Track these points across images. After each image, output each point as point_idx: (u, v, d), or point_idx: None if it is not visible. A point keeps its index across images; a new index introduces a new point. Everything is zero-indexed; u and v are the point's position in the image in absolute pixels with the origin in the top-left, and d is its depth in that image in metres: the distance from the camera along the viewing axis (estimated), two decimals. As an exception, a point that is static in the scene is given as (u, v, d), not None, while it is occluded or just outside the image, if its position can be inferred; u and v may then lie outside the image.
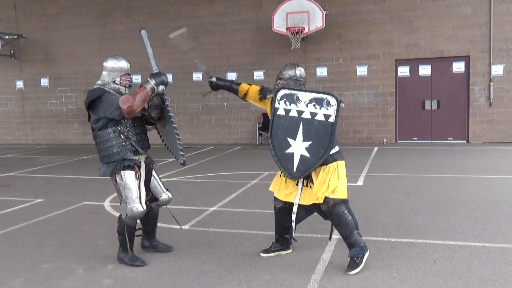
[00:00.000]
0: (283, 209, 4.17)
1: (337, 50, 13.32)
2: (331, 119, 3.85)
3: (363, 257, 3.86)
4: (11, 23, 16.12)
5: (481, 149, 11.42)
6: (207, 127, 14.68)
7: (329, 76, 13.42)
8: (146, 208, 4.08)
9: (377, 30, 12.96)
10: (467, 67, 12.53)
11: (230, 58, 14.25)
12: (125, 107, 3.75)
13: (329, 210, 3.87)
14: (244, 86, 4.41)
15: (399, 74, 13.07)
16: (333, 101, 3.86)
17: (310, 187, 3.98)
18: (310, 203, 3.98)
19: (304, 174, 3.89)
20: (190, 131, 14.84)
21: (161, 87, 3.99)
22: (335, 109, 3.85)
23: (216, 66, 14.37)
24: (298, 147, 3.89)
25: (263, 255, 4.26)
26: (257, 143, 13.98)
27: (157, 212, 4.41)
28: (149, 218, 4.33)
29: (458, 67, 12.62)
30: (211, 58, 14.38)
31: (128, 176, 3.97)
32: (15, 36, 15.93)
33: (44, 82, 16.12)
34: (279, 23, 12.64)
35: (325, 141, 3.85)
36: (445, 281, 3.59)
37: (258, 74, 14.04)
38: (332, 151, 3.92)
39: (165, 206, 4.41)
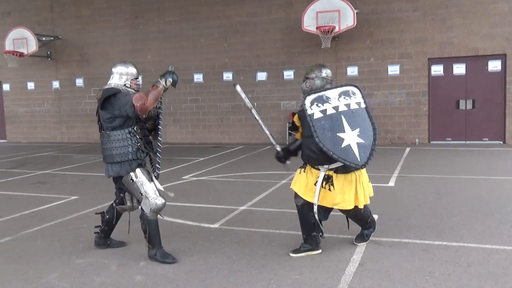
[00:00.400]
0: (305, 206, 4.22)
1: (368, 49, 13.15)
2: (362, 105, 4.16)
3: (371, 234, 4.46)
4: (48, 25, 16.60)
5: (519, 150, 11.06)
6: (237, 126, 14.74)
7: (360, 76, 13.26)
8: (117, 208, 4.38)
9: (409, 29, 12.73)
10: (504, 65, 12.16)
11: (260, 58, 14.27)
12: (138, 105, 3.90)
13: (348, 213, 4.29)
14: (298, 136, 4.66)
15: (433, 73, 12.80)
16: (355, 90, 4.20)
17: (330, 189, 4.09)
18: (330, 206, 4.17)
19: (370, 159, 4.00)
20: (220, 131, 14.94)
21: (169, 80, 4.12)
22: (361, 96, 4.18)
23: (246, 66, 14.43)
24: (351, 137, 4.00)
25: (292, 255, 4.25)
26: (287, 143, 13.93)
27: (120, 215, 4.54)
28: (110, 219, 4.48)
29: (494, 65, 12.26)
30: (241, 58, 14.45)
31: (142, 174, 4.14)
32: (52, 38, 16.39)
33: (79, 82, 16.53)
34: (309, 22, 12.57)
35: (368, 124, 4.11)
36: (479, 286, 3.50)
37: (288, 74, 14.01)
38: None
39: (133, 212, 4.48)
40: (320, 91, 4.14)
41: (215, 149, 13.17)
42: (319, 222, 4.19)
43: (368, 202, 4.28)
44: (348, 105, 4.09)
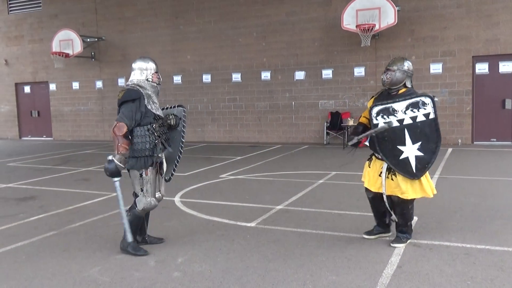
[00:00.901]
0: (376, 197, 4.51)
1: (409, 47, 12.86)
2: (431, 116, 4.20)
3: (408, 240, 4.43)
4: (92, 26, 17.13)
5: None
6: (274, 125, 14.75)
7: (401, 74, 12.96)
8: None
9: (453, 26, 12.37)
10: (554, 63, 11.62)
11: (298, 57, 14.21)
12: (116, 126, 4.16)
13: (398, 203, 4.36)
14: (362, 120, 4.74)
15: (477, 71, 12.38)
16: (427, 100, 4.20)
17: (392, 179, 4.31)
18: (393, 194, 4.36)
19: (425, 171, 4.20)
20: (258, 130, 14.98)
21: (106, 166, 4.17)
22: (432, 106, 4.19)
23: (285, 65, 14.41)
24: (411, 150, 4.20)
25: (366, 236, 4.61)
26: (325, 143, 13.84)
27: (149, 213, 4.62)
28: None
29: (544, 63, 11.74)
30: (279, 58, 14.44)
31: (152, 172, 4.30)
32: (96, 39, 16.90)
33: (121, 82, 16.96)
34: (348, 21, 12.42)
35: (432, 136, 4.22)
36: (525, 292, 3.36)
37: (327, 73, 13.89)
38: None
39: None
40: (387, 103, 4.27)
41: (252, 148, 13.23)
42: (390, 210, 4.44)
43: (432, 194, 4.40)
44: (414, 118, 4.20)
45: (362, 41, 12.41)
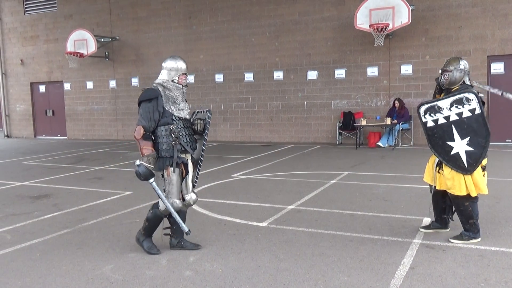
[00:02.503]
0: (436, 192, 4.63)
1: (423, 46, 12.75)
2: (478, 111, 4.28)
3: (470, 240, 4.44)
4: (106, 26, 17.28)
5: None
6: (286, 125, 14.73)
7: (414, 74, 12.89)
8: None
9: (468, 25, 12.23)
10: None
11: (311, 57, 14.18)
12: (136, 130, 4.19)
13: (453, 199, 4.48)
14: None
15: (492, 71, 12.22)
16: (471, 96, 4.29)
17: (442, 174, 4.47)
18: (444, 189, 4.51)
19: (477, 166, 4.30)
20: (270, 130, 14.98)
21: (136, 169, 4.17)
22: (476, 101, 4.28)
23: (297, 64, 14.38)
24: (460, 146, 4.31)
25: (422, 230, 4.79)
26: (337, 142, 13.78)
27: (185, 211, 4.52)
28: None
29: (561, 63, 11.55)
30: (292, 57, 14.42)
31: (174, 173, 4.24)
32: (110, 39, 17.04)
33: (134, 81, 17.09)
34: (362, 20, 12.36)
35: (481, 131, 4.29)
36: (540, 295, 3.32)
37: (340, 73, 13.83)
38: None
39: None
40: (432, 101, 4.44)
41: (265, 147, 13.22)
42: (444, 206, 4.66)
43: (483, 192, 4.45)
44: (460, 114, 4.31)
45: (376, 41, 12.33)
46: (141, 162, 4.12)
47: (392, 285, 3.56)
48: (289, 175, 8.59)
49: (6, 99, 19.88)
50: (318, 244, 4.55)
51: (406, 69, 12.91)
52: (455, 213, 4.65)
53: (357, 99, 13.71)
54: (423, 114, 4.46)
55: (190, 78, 16.02)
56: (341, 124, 13.70)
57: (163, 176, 4.25)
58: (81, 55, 16.44)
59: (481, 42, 12.16)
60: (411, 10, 11.91)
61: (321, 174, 8.53)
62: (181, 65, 4.40)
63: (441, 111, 4.37)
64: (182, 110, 4.32)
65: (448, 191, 4.48)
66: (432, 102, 4.44)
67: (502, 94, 4.81)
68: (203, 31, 15.66)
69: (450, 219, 4.76)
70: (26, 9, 18.99)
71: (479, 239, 4.47)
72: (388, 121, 12.01)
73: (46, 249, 4.63)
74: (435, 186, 4.59)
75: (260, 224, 5.29)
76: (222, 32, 15.36)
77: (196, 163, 4.48)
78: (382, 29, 12.04)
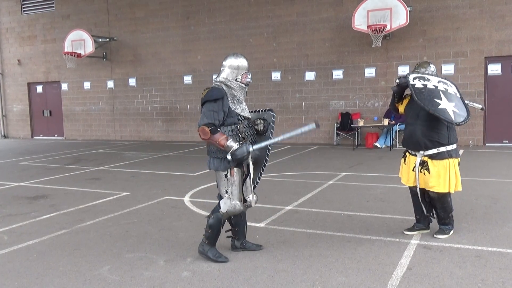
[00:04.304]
0: (417, 193, 4.71)
1: (421, 47, 12.78)
2: (458, 96, 4.61)
3: (451, 231, 4.71)
4: (104, 27, 17.25)
5: None
6: (284, 126, 14.71)
7: (412, 75, 12.89)
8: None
9: (465, 26, 12.26)
10: None
11: (309, 58, 14.19)
12: (200, 134, 3.95)
13: (438, 197, 4.60)
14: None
15: (489, 72, 12.26)
16: (452, 85, 4.68)
17: (424, 174, 4.56)
18: (424, 187, 4.62)
19: (464, 122, 4.38)
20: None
21: (234, 158, 3.96)
22: (457, 90, 4.68)
23: (295, 65, 14.39)
24: (447, 105, 4.41)
25: (406, 232, 4.79)
26: (335, 143, 13.79)
27: (245, 212, 4.43)
28: (238, 218, 4.38)
29: (558, 64, 11.60)
30: (289, 58, 14.43)
31: (238, 174, 4.10)
32: (107, 39, 17.02)
33: (132, 82, 17.07)
34: (360, 21, 12.37)
35: (463, 106, 4.51)
36: (537, 296, 3.33)
37: (337, 74, 13.85)
38: (450, 148, 4.54)
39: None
40: (423, 73, 4.69)
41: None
42: (422, 203, 4.73)
43: (459, 189, 4.66)
44: (446, 89, 4.56)
45: (373, 42, 12.36)
46: (229, 153, 3.91)
47: (389, 286, 3.57)
48: (287, 175, 8.59)
49: (3, 99, 19.83)
50: (316, 245, 4.56)
51: (404, 70, 12.92)
52: (426, 212, 4.80)
53: (355, 100, 13.73)
54: (412, 79, 4.55)
55: (188, 79, 16.04)
56: (338, 125, 13.72)
57: (226, 176, 4.09)
58: (79, 55, 16.41)
59: (478, 43, 12.19)
60: (409, 11, 11.94)
61: (319, 175, 8.54)
62: (244, 63, 4.18)
63: (430, 81, 4.55)
64: (245, 110, 4.17)
65: (431, 190, 4.56)
66: (423, 73, 4.68)
67: (468, 104, 4.91)
68: (201, 31, 15.66)
69: (432, 218, 4.83)
70: (24, 9, 18.95)
71: (453, 231, 4.76)
72: (386, 122, 12.03)
73: (43, 250, 4.61)
74: (415, 186, 4.68)
75: (258, 225, 5.29)
76: (220, 33, 15.35)
77: (260, 163, 4.35)
78: (379, 30, 12.07)
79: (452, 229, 4.74)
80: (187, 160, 11.04)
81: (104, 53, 17.29)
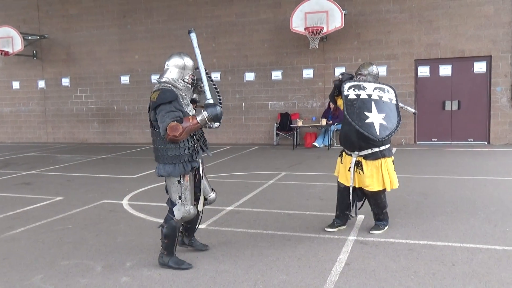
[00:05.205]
0: (346, 189, 4.86)
1: (356, 50, 13.23)
2: (394, 102, 4.72)
3: (385, 227, 4.90)
4: (34, 23, 16.43)
5: (503, 150, 11.21)
6: (224, 126, 14.69)
7: (348, 76, 13.31)
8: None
9: (396, 30, 12.84)
10: (489, 67, 12.31)
11: (248, 58, 14.27)
12: (171, 135, 3.72)
13: (372, 195, 4.80)
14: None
15: (419, 74, 12.91)
16: (391, 90, 4.79)
17: (359, 173, 4.72)
18: (359, 186, 4.78)
19: (387, 137, 4.51)
20: (207, 131, 14.80)
21: (216, 124, 4.00)
22: (394, 95, 4.77)
23: (234, 66, 14.42)
24: (376, 118, 4.53)
25: (328, 229, 4.92)
26: (275, 143, 13.96)
27: (201, 210, 4.36)
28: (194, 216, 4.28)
29: (480, 67, 12.41)
30: (229, 58, 14.44)
31: (190, 178, 4.01)
32: (38, 37, 16.22)
33: (65, 81, 16.39)
34: (297, 23, 12.60)
35: (395, 115, 4.64)
36: (464, 285, 3.54)
37: (276, 74, 14.03)
38: (383, 148, 4.70)
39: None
40: (359, 81, 4.79)
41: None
42: (351, 203, 4.88)
43: (395, 187, 4.84)
44: (380, 97, 4.66)
45: (311, 44, 12.63)
46: (210, 119, 3.85)
47: (328, 282, 3.66)
48: (227, 176, 8.59)
49: None
50: (257, 244, 4.59)
51: (340, 72, 13.30)
52: (359, 209, 5.06)
53: (294, 100, 13.97)
54: (347, 89, 4.66)
55: (125, 79, 15.63)
56: (278, 125, 13.90)
57: (179, 182, 3.95)
58: (6, 53, 15.50)
59: (408, 46, 12.80)
60: (344, 14, 12.32)
61: (259, 175, 8.61)
62: (190, 62, 4.05)
63: (365, 90, 4.66)
64: (192, 111, 3.98)
65: (366, 188, 4.75)
66: (359, 82, 4.77)
67: (402, 107, 5.25)
68: (138, 30, 15.31)
69: (350, 216, 5.00)
70: None
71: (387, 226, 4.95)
72: (324, 122, 12.34)
73: (-32, 261, 4.32)
74: (350, 186, 4.81)
75: (199, 226, 5.23)
76: (158, 32, 15.09)
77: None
78: (316, 32, 12.36)
79: (387, 225, 4.93)
80: (125, 162, 10.76)
81: (35, 52, 16.46)
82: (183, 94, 3.95)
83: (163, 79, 3.97)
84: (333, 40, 13.22)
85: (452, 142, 12.72)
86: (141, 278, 3.82)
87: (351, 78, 4.99)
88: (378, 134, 4.44)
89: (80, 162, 11.11)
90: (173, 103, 3.79)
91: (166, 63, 4.04)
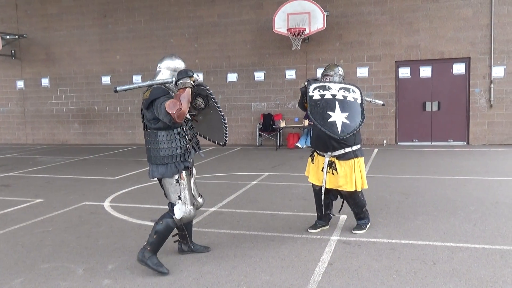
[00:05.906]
0: (320, 192, 4.87)
1: (337, 51, 13.32)
2: (359, 101, 4.73)
3: (367, 226, 4.95)
4: (12, 23, 16.14)
5: (481, 150, 11.41)
6: (207, 127, 14.66)
7: (330, 77, 13.39)
8: None
9: (377, 32, 12.97)
10: (468, 68, 12.52)
11: (230, 59, 14.26)
12: (174, 112, 3.68)
13: (349, 195, 4.82)
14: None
15: (400, 75, 13.07)
16: (356, 90, 4.79)
17: (333, 173, 4.73)
18: (334, 188, 4.78)
19: (349, 134, 4.54)
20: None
21: (194, 77, 3.93)
22: (359, 95, 4.78)
23: (217, 67, 14.39)
24: (338, 117, 4.58)
25: (311, 231, 4.93)
26: (257, 144, 13.97)
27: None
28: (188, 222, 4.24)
29: (459, 68, 12.62)
30: (211, 59, 14.40)
31: (186, 177, 3.98)
32: (16, 36, 15.94)
33: (45, 82, 16.14)
34: (280, 24, 12.64)
35: (358, 114, 4.67)
36: (444, 283, 3.59)
37: (259, 75, 14.05)
38: (355, 148, 4.74)
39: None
40: (324, 82, 4.80)
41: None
42: (326, 205, 4.93)
43: (366, 187, 4.88)
44: (345, 97, 4.69)
45: (293, 45, 12.68)
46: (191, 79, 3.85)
47: (312, 282, 3.67)
48: (210, 177, 8.56)
49: None
50: (240, 245, 4.58)
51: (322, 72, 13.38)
52: (339, 211, 5.13)
53: (276, 101, 14.00)
54: (312, 90, 4.68)
55: (106, 79, 15.47)
56: (261, 126, 13.92)
57: (178, 181, 3.91)
58: (-16, 53, 15.22)
59: (389, 48, 12.95)
60: (326, 16, 12.40)
61: (242, 176, 8.60)
62: (181, 64, 4.04)
63: (329, 90, 4.70)
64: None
65: (339, 189, 4.77)
66: (324, 82, 4.80)
67: (371, 101, 5.50)
68: (120, 30, 15.17)
69: (332, 215, 5.05)
70: None
71: (369, 224, 5.03)
72: (306, 122, 12.40)
73: None
74: (322, 186, 4.80)
75: (182, 228, 5.21)
76: (140, 32, 14.97)
77: (219, 127, 4.25)
78: (299, 33, 12.41)
79: (368, 223, 4.99)
80: (107, 163, 10.64)
81: (13, 51, 16.17)
82: (173, 95, 3.94)
83: (155, 81, 3.98)
84: (315, 41, 13.29)
85: (433, 143, 12.91)
86: (123, 281, 3.78)
87: (316, 81, 4.99)
88: (339, 132, 4.50)
89: (60, 163, 10.96)
90: (165, 97, 3.82)
91: (158, 65, 4.07)
